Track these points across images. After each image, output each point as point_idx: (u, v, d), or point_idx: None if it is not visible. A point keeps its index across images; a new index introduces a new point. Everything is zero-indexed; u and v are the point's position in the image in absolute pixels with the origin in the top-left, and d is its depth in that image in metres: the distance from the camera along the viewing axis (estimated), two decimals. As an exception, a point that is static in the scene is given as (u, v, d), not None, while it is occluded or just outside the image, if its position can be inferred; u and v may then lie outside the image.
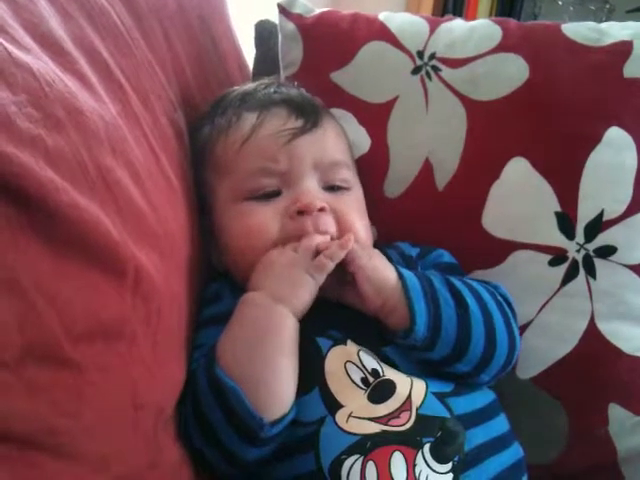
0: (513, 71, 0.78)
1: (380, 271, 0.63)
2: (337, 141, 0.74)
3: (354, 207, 0.70)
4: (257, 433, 0.55)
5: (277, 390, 0.56)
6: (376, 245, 0.75)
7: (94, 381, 0.44)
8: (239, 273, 0.68)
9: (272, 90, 0.73)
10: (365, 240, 0.69)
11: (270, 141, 0.67)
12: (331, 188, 0.69)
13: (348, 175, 0.72)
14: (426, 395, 0.59)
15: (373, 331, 0.64)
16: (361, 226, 0.69)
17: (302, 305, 0.61)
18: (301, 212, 0.65)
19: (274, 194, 0.67)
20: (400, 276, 0.63)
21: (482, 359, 0.62)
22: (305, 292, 0.61)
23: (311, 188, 0.67)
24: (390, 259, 0.70)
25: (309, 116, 0.70)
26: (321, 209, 0.65)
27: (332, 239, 0.65)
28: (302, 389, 0.59)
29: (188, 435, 0.58)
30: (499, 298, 0.67)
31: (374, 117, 0.80)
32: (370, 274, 0.63)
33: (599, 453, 0.73)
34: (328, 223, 0.66)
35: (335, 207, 0.67)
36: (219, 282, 0.70)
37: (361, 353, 0.61)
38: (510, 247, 0.75)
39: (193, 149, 0.73)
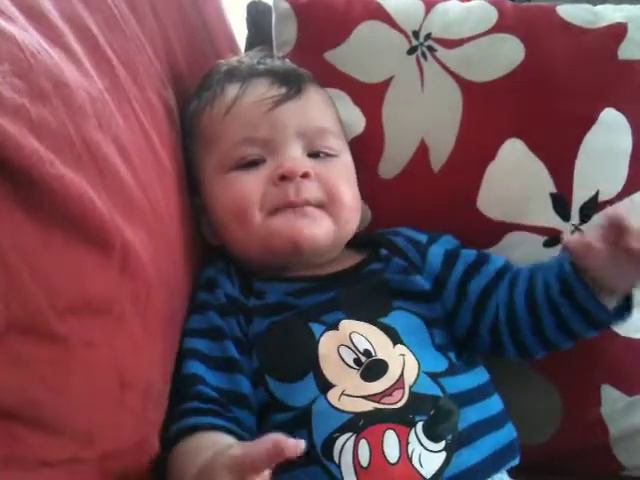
0: (508, 52, 0.78)
1: None
2: (322, 108, 0.73)
3: (341, 173, 0.70)
4: None
5: None
6: (379, 233, 0.75)
7: (80, 356, 0.43)
8: (231, 244, 0.68)
9: (255, 61, 0.73)
10: (352, 205, 0.69)
11: (252, 109, 0.67)
12: (317, 155, 0.69)
13: (334, 142, 0.71)
14: (419, 374, 0.59)
15: (369, 304, 0.64)
16: (348, 191, 0.69)
17: None
18: (284, 178, 0.64)
19: (258, 162, 0.67)
20: None
21: None
22: None
23: (294, 155, 0.66)
24: (396, 246, 0.70)
25: (292, 84, 0.69)
26: (304, 175, 0.65)
27: (319, 205, 0.65)
28: (296, 375, 0.59)
29: None
30: None
31: (369, 97, 0.79)
32: None
33: (591, 434, 0.74)
34: (311, 189, 0.65)
35: (321, 173, 0.66)
36: (215, 267, 0.69)
37: (353, 335, 0.61)
38: (505, 228, 0.75)
39: (183, 126, 0.72)
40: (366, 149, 0.78)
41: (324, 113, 0.73)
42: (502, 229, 0.75)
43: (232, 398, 0.58)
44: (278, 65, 0.74)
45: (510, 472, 0.61)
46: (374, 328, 0.62)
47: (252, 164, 0.67)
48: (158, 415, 0.56)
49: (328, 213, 0.66)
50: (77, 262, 0.44)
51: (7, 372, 0.38)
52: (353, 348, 0.60)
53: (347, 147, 0.75)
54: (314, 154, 0.69)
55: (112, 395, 0.47)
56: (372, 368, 0.59)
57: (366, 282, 0.67)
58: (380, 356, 0.60)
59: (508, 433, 0.62)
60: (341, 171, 0.70)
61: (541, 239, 0.74)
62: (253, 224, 0.65)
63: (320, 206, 0.66)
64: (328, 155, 0.69)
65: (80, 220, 0.44)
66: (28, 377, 0.39)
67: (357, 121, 0.79)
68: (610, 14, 0.80)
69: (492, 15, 0.81)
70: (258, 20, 0.91)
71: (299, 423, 0.57)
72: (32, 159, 0.40)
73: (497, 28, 0.79)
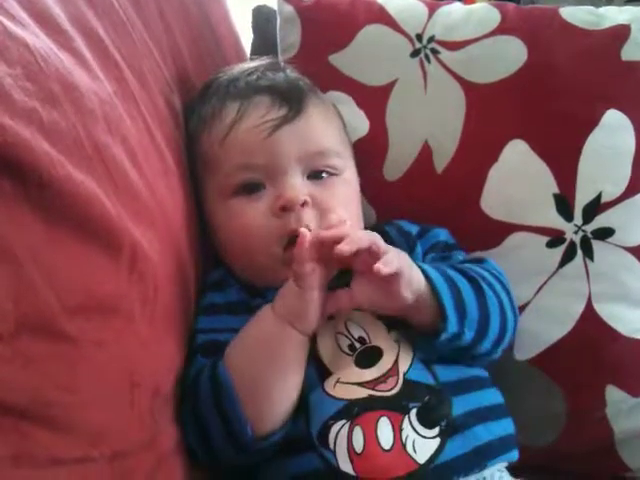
0: (511, 54, 0.78)
1: (415, 274, 0.59)
2: (324, 127, 0.71)
3: (340, 196, 0.68)
4: (244, 443, 0.56)
5: (270, 407, 0.57)
6: (376, 224, 0.76)
7: (89, 355, 0.44)
8: (234, 268, 0.69)
9: (255, 77, 0.71)
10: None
11: (250, 135, 0.66)
12: (318, 175, 0.68)
13: (336, 162, 0.69)
14: (413, 361, 0.60)
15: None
16: (345, 215, 0.66)
17: (308, 324, 0.58)
18: (285, 209, 0.64)
19: (259, 187, 0.66)
20: (424, 272, 0.59)
21: (499, 335, 0.63)
22: (305, 310, 0.57)
23: (293, 183, 0.65)
24: (388, 236, 0.70)
25: (293, 103, 0.68)
26: (303, 204, 0.64)
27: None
28: None
29: (185, 431, 0.59)
30: (494, 273, 0.67)
31: (373, 100, 0.80)
32: (408, 279, 0.57)
33: (596, 435, 0.74)
34: (311, 217, 0.64)
35: (319, 199, 0.65)
36: (223, 269, 0.70)
37: (348, 323, 0.62)
38: (508, 229, 0.76)
39: (186, 133, 0.72)
40: (370, 151, 0.79)
41: (325, 132, 0.71)
42: (505, 230, 0.76)
43: None
44: (279, 79, 0.72)
45: (512, 472, 0.61)
46: (368, 315, 0.63)
47: (252, 189, 0.66)
48: (167, 415, 0.56)
49: None
50: (86, 262, 0.44)
51: (17, 371, 0.38)
52: (349, 335, 0.61)
53: (351, 160, 0.74)
54: (315, 174, 0.68)
55: (122, 394, 0.48)
56: (366, 355, 0.60)
57: None
58: (374, 343, 0.61)
59: (505, 427, 0.62)
60: (341, 192, 0.68)
61: (544, 239, 0.74)
62: (260, 262, 0.65)
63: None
64: (330, 174, 0.68)
65: (89, 221, 0.45)
66: (38, 376, 0.40)
67: (361, 124, 0.80)
68: (613, 16, 0.80)
69: (495, 17, 0.81)
70: (263, 24, 0.92)
71: (297, 410, 0.58)
72: (43, 161, 0.41)
73: (500, 30, 0.80)
